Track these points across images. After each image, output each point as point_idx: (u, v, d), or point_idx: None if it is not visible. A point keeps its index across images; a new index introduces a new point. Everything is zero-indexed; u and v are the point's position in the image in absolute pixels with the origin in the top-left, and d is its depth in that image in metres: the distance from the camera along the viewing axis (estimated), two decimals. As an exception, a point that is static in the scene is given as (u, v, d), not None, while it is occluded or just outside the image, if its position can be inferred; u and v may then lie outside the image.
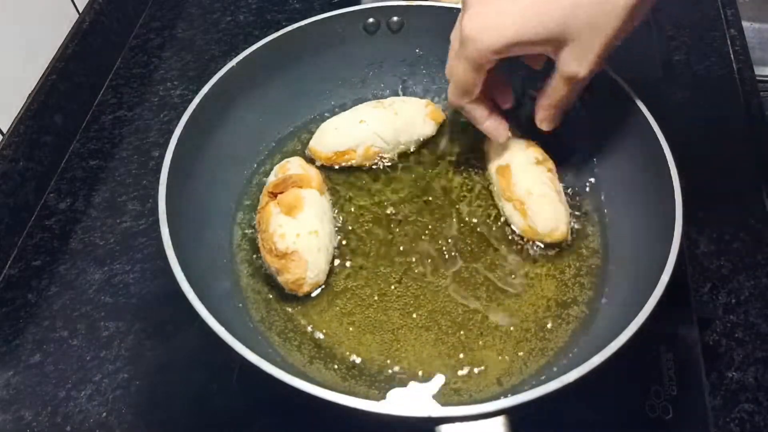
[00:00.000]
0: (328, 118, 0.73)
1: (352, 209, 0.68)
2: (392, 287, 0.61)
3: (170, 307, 0.65)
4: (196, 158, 0.63)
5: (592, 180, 0.69)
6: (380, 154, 0.71)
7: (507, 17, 0.52)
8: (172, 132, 0.60)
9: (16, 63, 0.75)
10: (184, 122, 0.61)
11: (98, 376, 0.62)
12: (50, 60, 0.81)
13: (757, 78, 0.86)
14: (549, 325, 0.59)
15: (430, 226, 0.66)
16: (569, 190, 0.68)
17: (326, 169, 0.70)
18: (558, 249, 0.64)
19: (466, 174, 0.71)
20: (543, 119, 0.62)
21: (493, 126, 0.64)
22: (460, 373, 0.56)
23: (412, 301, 0.60)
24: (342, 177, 0.71)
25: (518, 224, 0.64)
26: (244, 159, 0.71)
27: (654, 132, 0.60)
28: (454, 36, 0.59)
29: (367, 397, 0.54)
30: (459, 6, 0.73)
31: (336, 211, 0.67)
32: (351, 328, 0.59)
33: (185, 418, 0.60)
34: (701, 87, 0.85)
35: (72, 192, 0.78)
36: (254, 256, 0.63)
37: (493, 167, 0.68)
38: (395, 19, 0.74)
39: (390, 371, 0.56)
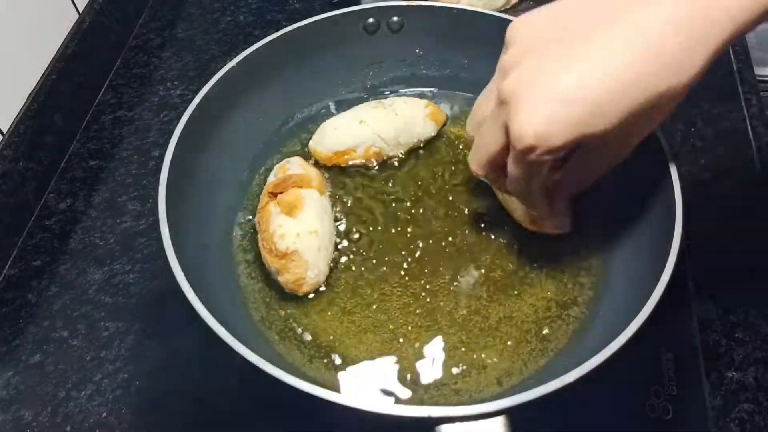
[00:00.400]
0: (328, 118, 0.74)
1: (353, 209, 0.68)
2: (392, 287, 0.61)
3: (170, 307, 0.65)
4: (196, 158, 0.63)
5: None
6: (380, 155, 0.71)
7: (583, 93, 0.41)
8: (172, 132, 0.60)
9: (16, 63, 0.75)
10: (184, 122, 0.61)
11: (98, 376, 0.62)
12: (50, 60, 0.81)
13: (757, 78, 0.86)
14: (549, 325, 0.59)
15: (430, 226, 0.66)
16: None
17: (326, 169, 0.70)
18: (557, 245, 0.64)
19: (466, 174, 0.71)
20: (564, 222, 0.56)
21: (559, 218, 0.57)
22: (460, 373, 0.56)
23: (412, 301, 0.60)
24: (342, 177, 0.71)
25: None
26: (244, 159, 0.71)
27: (654, 132, 0.59)
28: (495, 133, 0.47)
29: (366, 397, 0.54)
30: (459, 6, 0.73)
31: (336, 211, 0.67)
32: (351, 328, 0.59)
33: (185, 418, 0.60)
34: (701, 87, 0.85)
35: (72, 192, 0.78)
36: (254, 256, 0.63)
37: None
38: (395, 19, 0.74)
39: (390, 371, 0.56)
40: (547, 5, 0.46)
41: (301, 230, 0.59)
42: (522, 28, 0.46)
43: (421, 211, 0.67)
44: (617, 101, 0.41)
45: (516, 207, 0.64)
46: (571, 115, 0.41)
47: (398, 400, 0.54)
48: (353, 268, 0.63)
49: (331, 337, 0.58)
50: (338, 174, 0.71)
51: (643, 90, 0.41)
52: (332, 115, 0.75)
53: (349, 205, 0.68)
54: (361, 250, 0.64)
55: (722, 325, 0.63)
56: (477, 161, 0.51)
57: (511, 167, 0.47)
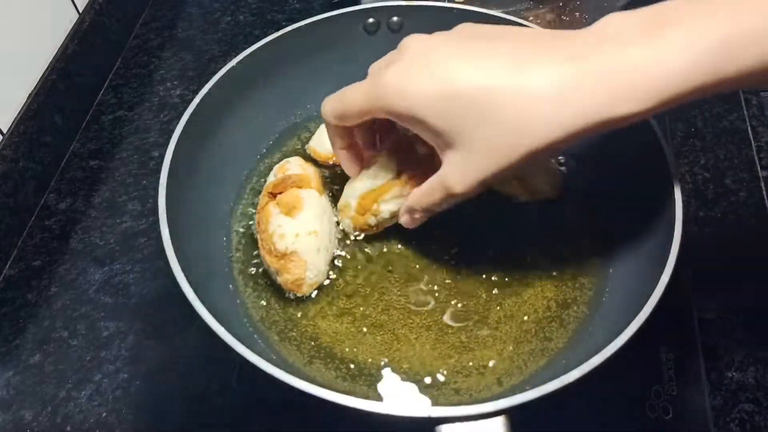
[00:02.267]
0: (328, 118, 0.73)
1: (352, 209, 0.67)
2: (392, 287, 0.61)
3: (170, 307, 0.65)
4: (196, 158, 0.63)
5: (592, 180, 0.69)
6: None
7: (419, 84, 0.45)
8: (172, 132, 0.60)
9: (16, 63, 0.75)
10: (184, 122, 0.61)
11: (98, 376, 0.62)
12: (50, 60, 0.81)
13: (757, 78, 0.86)
14: (549, 325, 0.59)
15: (430, 226, 0.66)
16: (570, 191, 0.68)
17: (326, 169, 0.70)
18: (558, 245, 0.64)
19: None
20: (407, 218, 0.57)
21: (346, 159, 0.60)
22: (460, 373, 0.56)
23: (412, 301, 0.60)
24: (342, 177, 0.70)
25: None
26: (244, 159, 0.71)
27: (654, 132, 0.60)
28: (375, 66, 0.53)
29: (367, 397, 0.54)
30: (459, 6, 0.73)
31: (336, 211, 0.67)
32: (351, 328, 0.59)
33: (185, 418, 0.60)
34: (701, 87, 0.85)
35: (72, 192, 0.78)
36: (254, 256, 0.63)
37: None
38: (395, 19, 0.74)
39: (390, 371, 0.56)
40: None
41: (300, 230, 0.59)
42: (468, 24, 0.49)
43: (421, 211, 0.67)
44: (472, 105, 0.43)
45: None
46: (432, 91, 0.44)
47: (398, 400, 0.54)
48: (353, 269, 0.63)
49: (331, 337, 0.58)
50: (338, 174, 0.71)
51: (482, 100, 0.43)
52: (332, 115, 0.75)
53: (349, 205, 0.68)
54: (361, 250, 0.64)
55: (722, 325, 0.64)
56: (331, 107, 0.54)
57: (353, 90, 0.51)
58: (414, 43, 0.47)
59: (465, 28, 0.48)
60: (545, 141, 0.43)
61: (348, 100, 0.51)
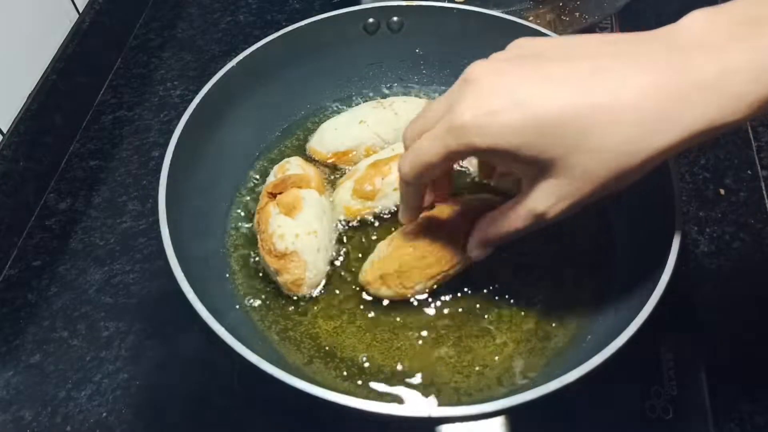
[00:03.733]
0: (328, 118, 0.74)
1: (352, 209, 0.67)
2: (392, 287, 0.61)
3: (170, 307, 0.65)
4: (196, 158, 0.63)
5: (592, 180, 0.69)
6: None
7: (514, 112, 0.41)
8: (172, 132, 0.60)
9: (16, 63, 0.75)
10: (184, 122, 0.61)
11: (98, 376, 0.62)
12: (50, 60, 0.81)
13: (757, 78, 0.86)
14: (549, 325, 0.59)
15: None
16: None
17: (326, 169, 0.70)
18: (558, 244, 0.64)
19: (467, 174, 0.71)
20: (478, 247, 0.53)
21: (411, 214, 0.57)
22: (460, 372, 0.56)
23: (412, 301, 0.60)
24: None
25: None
26: (244, 158, 0.71)
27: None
28: (439, 108, 0.46)
29: (367, 397, 0.54)
30: (459, 6, 0.73)
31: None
32: (351, 328, 0.58)
33: (185, 418, 0.60)
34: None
35: (72, 192, 0.78)
36: (254, 256, 0.63)
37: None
38: (395, 19, 0.74)
39: (390, 371, 0.56)
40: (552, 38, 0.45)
41: (300, 231, 0.59)
42: (522, 41, 0.46)
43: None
44: (562, 130, 0.40)
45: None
46: (516, 120, 0.40)
47: (398, 400, 0.54)
48: (353, 269, 0.63)
49: (331, 337, 0.58)
50: (338, 174, 0.71)
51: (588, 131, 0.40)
52: (332, 115, 0.75)
53: (349, 205, 0.68)
54: (361, 250, 0.64)
55: (722, 325, 0.64)
56: (411, 165, 0.48)
57: (428, 141, 0.45)
58: (479, 71, 0.43)
59: (525, 47, 0.45)
60: (647, 156, 0.40)
61: (425, 152, 0.46)
